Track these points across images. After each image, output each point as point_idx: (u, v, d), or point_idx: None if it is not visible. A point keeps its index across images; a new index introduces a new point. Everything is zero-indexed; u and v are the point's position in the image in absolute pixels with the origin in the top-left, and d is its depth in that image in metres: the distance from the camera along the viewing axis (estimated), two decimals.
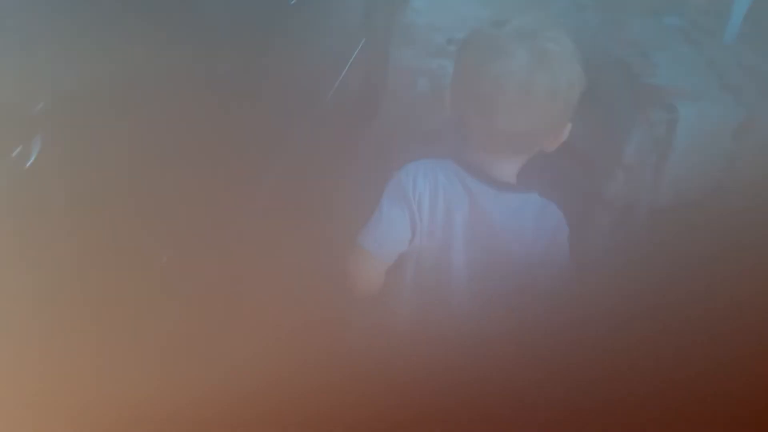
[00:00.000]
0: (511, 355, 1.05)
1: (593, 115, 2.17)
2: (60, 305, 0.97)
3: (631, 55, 2.00)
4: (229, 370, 1.20)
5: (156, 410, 1.03)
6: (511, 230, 1.04)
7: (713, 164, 1.80)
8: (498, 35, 0.96)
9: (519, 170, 1.05)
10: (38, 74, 0.85)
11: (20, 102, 0.83)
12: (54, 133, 0.88)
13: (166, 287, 1.28)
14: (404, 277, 1.10)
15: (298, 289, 1.63)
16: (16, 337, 0.88)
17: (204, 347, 1.32)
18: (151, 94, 1.07)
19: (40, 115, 0.86)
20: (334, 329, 1.37)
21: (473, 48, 1.00)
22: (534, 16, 0.97)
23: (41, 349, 0.94)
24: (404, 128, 3.19)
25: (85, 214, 0.99)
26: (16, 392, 0.87)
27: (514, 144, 1.00)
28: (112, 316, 1.09)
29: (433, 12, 4.87)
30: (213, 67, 1.26)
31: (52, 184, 0.91)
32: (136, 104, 1.05)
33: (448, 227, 1.03)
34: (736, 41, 2.10)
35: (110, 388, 1.03)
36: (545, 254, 1.06)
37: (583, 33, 2.37)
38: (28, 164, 0.84)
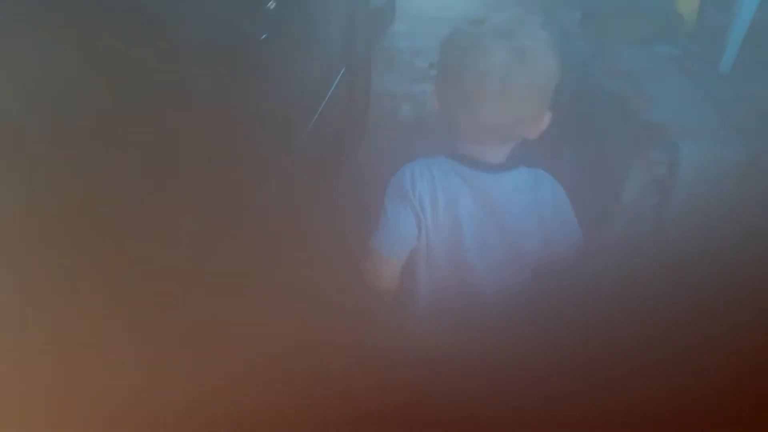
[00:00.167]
0: (529, 344, 1.08)
1: (589, 153, 2.09)
2: (58, 307, 0.98)
3: (626, 88, 1.91)
4: (233, 368, 1.26)
5: (153, 410, 1.07)
6: (513, 206, 1.09)
7: (717, 206, 1.69)
8: (477, 33, 1.00)
9: (508, 154, 1.10)
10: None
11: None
12: (47, 136, 0.91)
13: (166, 290, 1.31)
14: (419, 275, 1.15)
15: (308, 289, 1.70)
16: (15, 337, 0.89)
17: (205, 348, 1.34)
18: (137, 113, 1.11)
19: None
20: (353, 328, 1.38)
21: (454, 46, 1.03)
22: (510, 13, 1.02)
23: (39, 349, 0.95)
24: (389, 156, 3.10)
25: (84, 215, 1.02)
26: (15, 392, 0.89)
27: (499, 134, 1.05)
28: (112, 316, 1.11)
29: (415, 35, 4.80)
30: (192, 96, 1.30)
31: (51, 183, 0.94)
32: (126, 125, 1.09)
33: (453, 220, 1.09)
34: (732, 69, 2.01)
35: (110, 387, 1.06)
36: (553, 218, 1.12)
37: (573, 62, 2.29)
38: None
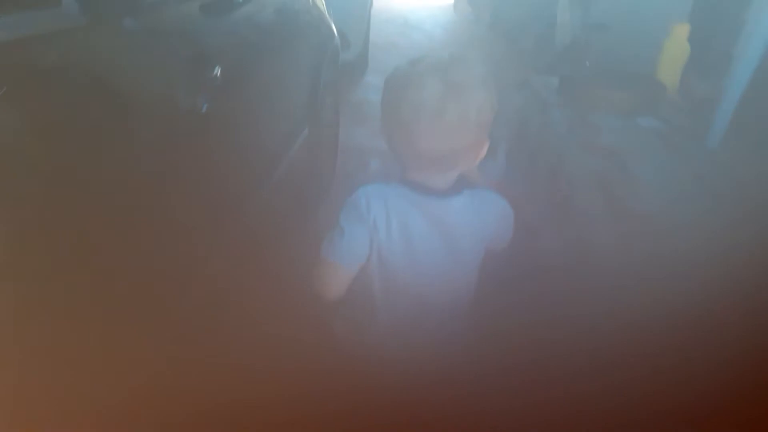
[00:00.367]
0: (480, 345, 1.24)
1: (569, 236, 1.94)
2: (55, 307, 1.00)
3: (610, 169, 1.75)
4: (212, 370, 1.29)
5: (152, 409, 1.11)
6: (460, 226, 1.17)
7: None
8: (413, 71, 1.06)
9: (455, 179, 1.16)
10: None
11: None
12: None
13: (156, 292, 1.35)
14: (373, 289, 1.22)
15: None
16: (14, 337, 0.91)
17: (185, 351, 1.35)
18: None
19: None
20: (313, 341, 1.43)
21: (393, 83, 1.10)
22: (448, 52, 1.10)
23: (38, 349, 0.96)
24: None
25: (81, 216, 1.06)
26: (15, 392, 0.91)
27: (438, 163, 1.11)
28: (107, 316, 1.15)
29: None
30: (140, 167, 1.26)
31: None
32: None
33: (405, 240, 1.16)
34: (721, 147, 1.86)
35: (108, 386, 1.08)
36: (498, 234, 1.22)
37: (550, 135, 2.15)
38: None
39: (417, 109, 1.04)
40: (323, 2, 3.27)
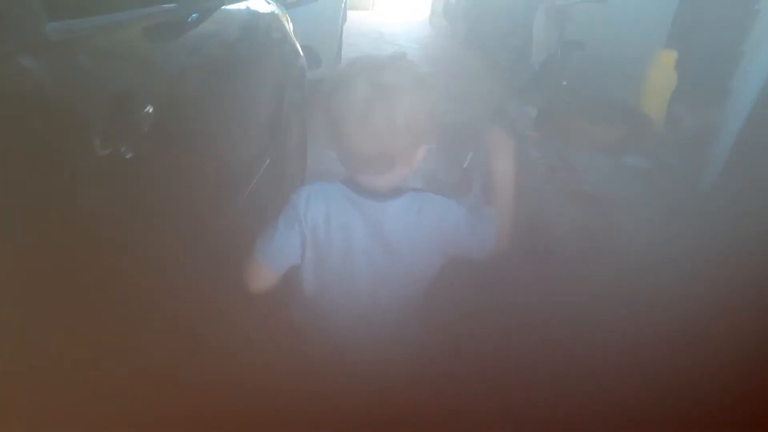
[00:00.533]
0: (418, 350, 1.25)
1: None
2: (51, 304, 1.02)
3: (592, 217, 1.56)
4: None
5: (149, 409, 1.14)
6: (399, 230, 1.15)
7: None
8: (346, 71, 1.06)
9: (394, 182, 1.14)
10: None
11: None
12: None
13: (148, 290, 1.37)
14: (306, 290, 1.23)
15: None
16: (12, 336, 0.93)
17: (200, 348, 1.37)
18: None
19: None
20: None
21: (327, 83, 1.08)
22: (391, 53, 1.08)
23: (36, 348, 0.98)
24: None
25: (79, 216, 1.09)
26: (14, 392, 0.93)
27: (372, 165, 1.09)
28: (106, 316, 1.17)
29: None
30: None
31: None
32: None
33: (344, 240, 1.16)
34: (714, 190, 1.69)
35: (106, 387, 1.11)
36: (453, 239, 1.18)
37: (530, 176, 1.97)
38: None
39: (344, 110, 1.04)
40: (287, 19, 3.08)
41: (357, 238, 1.16)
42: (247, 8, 2.47)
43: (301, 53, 3.09)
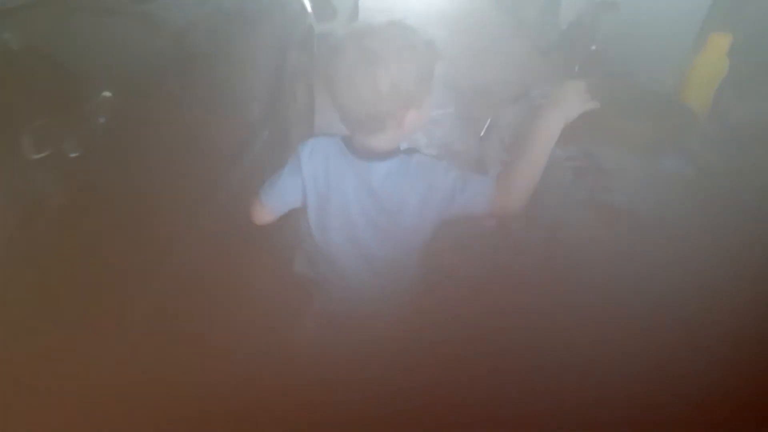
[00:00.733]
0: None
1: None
2: (49, 303, 1.05)
3: (623, 235, 1.33)
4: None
5: (147, 408, 1.21)
6: (387, 190, 1.20)
7: None
8: (342, 35, 1.11)
9: (387, 143, 1.18)
10: None
11: None
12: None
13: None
14: (314, 237, 1.31)
15: None
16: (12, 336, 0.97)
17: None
18: None
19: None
20: None
21: (324, 49, 1.20)
22: (391, 19, 1.11)
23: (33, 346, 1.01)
24: None
25: (77, 217, 1.11)
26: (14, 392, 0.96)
27: (364, 126, 1.15)
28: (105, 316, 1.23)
29: None
30: None
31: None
32: None
33: (342, 194, 1.22)
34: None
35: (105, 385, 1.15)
36: (431, 201, 1.20)
37: (550, 181, 1.74)
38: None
39: (336, 74, 1.09)
40: None
41: (351, 194, 1.22)
42: None
43: (309, 9, 2.82)
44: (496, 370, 1.58)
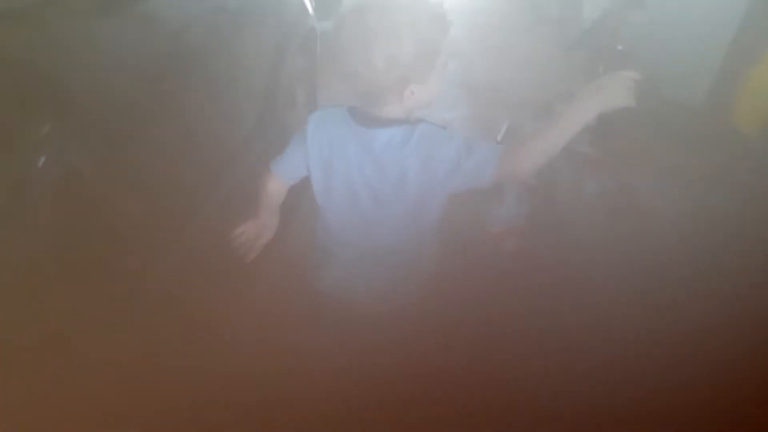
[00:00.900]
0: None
1: None
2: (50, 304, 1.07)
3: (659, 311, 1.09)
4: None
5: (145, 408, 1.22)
6: (386, 157, 1.21)
7: None
8: (343, 10, 1.12)
9: (394, 114, 1.19)
10: None
11: None
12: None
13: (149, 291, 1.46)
14: (321, 208, 1.34)
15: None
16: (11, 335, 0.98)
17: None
18: None
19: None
20: None
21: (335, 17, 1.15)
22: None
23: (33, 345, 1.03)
24: None
25: (77, 219, 1.14)
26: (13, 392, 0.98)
27: (366, 99, 1.18)
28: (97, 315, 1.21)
29: None
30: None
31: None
32: None
33: (344, 160, 1.25)
34: None
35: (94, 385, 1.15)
36: (434, 170, 1.18)
37: (579, 223, 1.52)
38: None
39: (335, 46, 1.12)
40: None
41: (353, 161, 1.24)
42: None
43: (311, 11, 2.61)
44: (497, 361, 1.62)
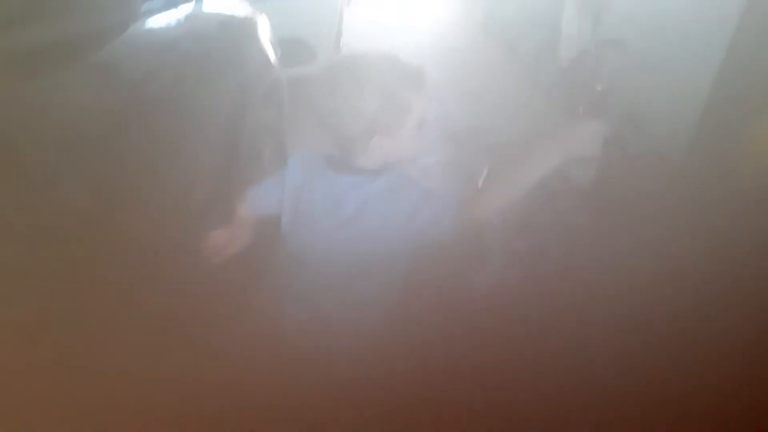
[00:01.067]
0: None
1: None
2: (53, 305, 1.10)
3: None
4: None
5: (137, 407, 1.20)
6: (352, 206, 1.23)
7: None
8: (319, 67, 1.36)
9: (363, 163, 1.22)
10: None
11: None
12: None
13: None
14: (291, 234, 1.34)
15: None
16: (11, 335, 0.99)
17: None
18: None
19: None
20: None
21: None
22: (365, 52, 1.21)
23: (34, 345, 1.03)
24: None
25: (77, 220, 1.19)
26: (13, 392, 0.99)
27: (335, 148, 1.23)
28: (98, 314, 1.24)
29: None
30: None
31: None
32: None
33: (311, 202, 1.28)
34: None
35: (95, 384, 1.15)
36: (389, 221, 1.22)
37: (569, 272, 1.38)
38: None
39: (306, 96, 1.21)
40: (257, 19, 2.45)
41: (319, 204, 1.26)
42: (184, 17, 1.88)
43: (273, 62, 2.46)
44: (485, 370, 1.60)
